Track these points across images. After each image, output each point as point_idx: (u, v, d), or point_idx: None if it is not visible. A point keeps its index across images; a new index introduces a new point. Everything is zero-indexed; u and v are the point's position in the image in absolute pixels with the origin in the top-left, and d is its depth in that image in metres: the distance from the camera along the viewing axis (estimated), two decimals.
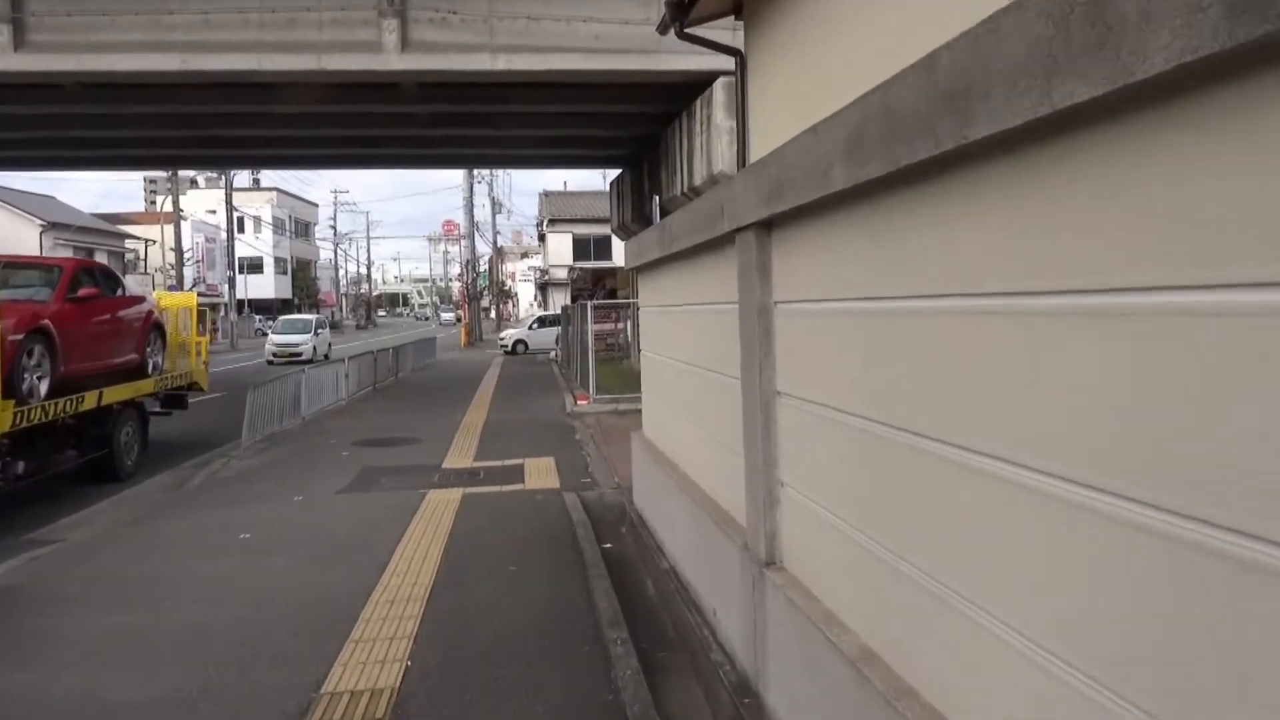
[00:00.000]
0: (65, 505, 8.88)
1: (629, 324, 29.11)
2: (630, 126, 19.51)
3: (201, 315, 13.29)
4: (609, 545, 7.05)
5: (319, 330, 34.21)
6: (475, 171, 54.03)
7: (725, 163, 14.54)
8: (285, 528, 7.53)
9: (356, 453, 11.30)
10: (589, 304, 16.62)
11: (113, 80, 15.90)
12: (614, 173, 25.76)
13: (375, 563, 6.24)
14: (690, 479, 5.30)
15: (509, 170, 62.27)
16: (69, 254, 44.57)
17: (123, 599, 5.66)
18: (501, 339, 37.49)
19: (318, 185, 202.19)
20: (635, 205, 22.25)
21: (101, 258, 48.06)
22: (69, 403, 9.02)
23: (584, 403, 15.61)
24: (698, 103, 15.75)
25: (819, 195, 2.83)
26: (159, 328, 11.56)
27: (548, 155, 23.43)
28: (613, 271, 32.54)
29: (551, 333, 36.35)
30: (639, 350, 24.20)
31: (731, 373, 4.22)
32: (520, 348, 35.96)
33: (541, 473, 9.68)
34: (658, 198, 16.15)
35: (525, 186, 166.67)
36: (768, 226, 3.57)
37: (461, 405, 16.36)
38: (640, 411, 15.73)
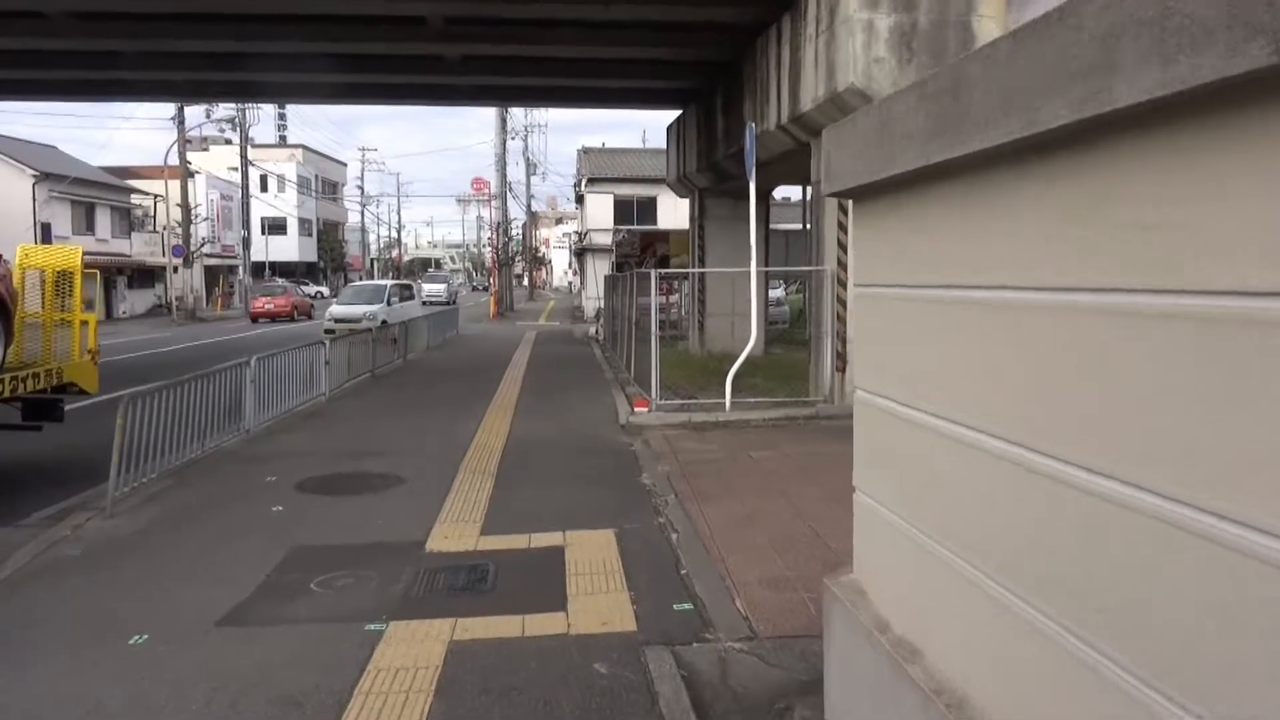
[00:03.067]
0: None
1: (680, 295, 24.77)
2: (701, 46, 15.01)
3: (90, 279, 9.09)
4: None
5: None
6: (509, 127, 49.60)
7: (858, 71, 10.04)
8: None
9: (295, 508, 7.06)
10: (651, 273, 12.24)
11: None
12: (667, 120, 21.22)
13: None
14: None
15: (546, 109, 57.20)
16: (65, 208, 40.89)
17: None
18: (331, 317, 24.39)
19: (347, 145, 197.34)
20: (703, 150, 17.79)
21: (104, 213, 44.32)
22: None
23: (644, 409, 11.30)
24: None
25: None
26: None
27: (594, 88, 18.94)
28: (664, 235, 28.14)
29: (420, 307, 27.87)
30: (700, 327, 19.69)
31: None
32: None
33: (596, 578, 5.37)
34: (753, 124, 11.68)
35: (560, 152, 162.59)
36: None
37: (477, 407, 12.10)
38: (725, 425, 11.27)
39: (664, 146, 23.08)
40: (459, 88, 18.77)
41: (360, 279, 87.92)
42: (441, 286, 54.63)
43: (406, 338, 18.91)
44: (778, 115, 12.48)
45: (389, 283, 29.39)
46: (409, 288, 30.47)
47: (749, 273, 11.53)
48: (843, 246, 11.16)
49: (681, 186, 20.80)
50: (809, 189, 26.40)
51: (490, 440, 9.76)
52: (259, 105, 47.31)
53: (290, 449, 9.35)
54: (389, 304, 25.32)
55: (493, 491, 7.51)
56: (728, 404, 11.12)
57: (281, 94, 22.85)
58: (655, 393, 11.42)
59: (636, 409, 11.37)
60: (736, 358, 11.47)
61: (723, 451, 9.09)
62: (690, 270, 19.40)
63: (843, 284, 11.16)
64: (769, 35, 12.92)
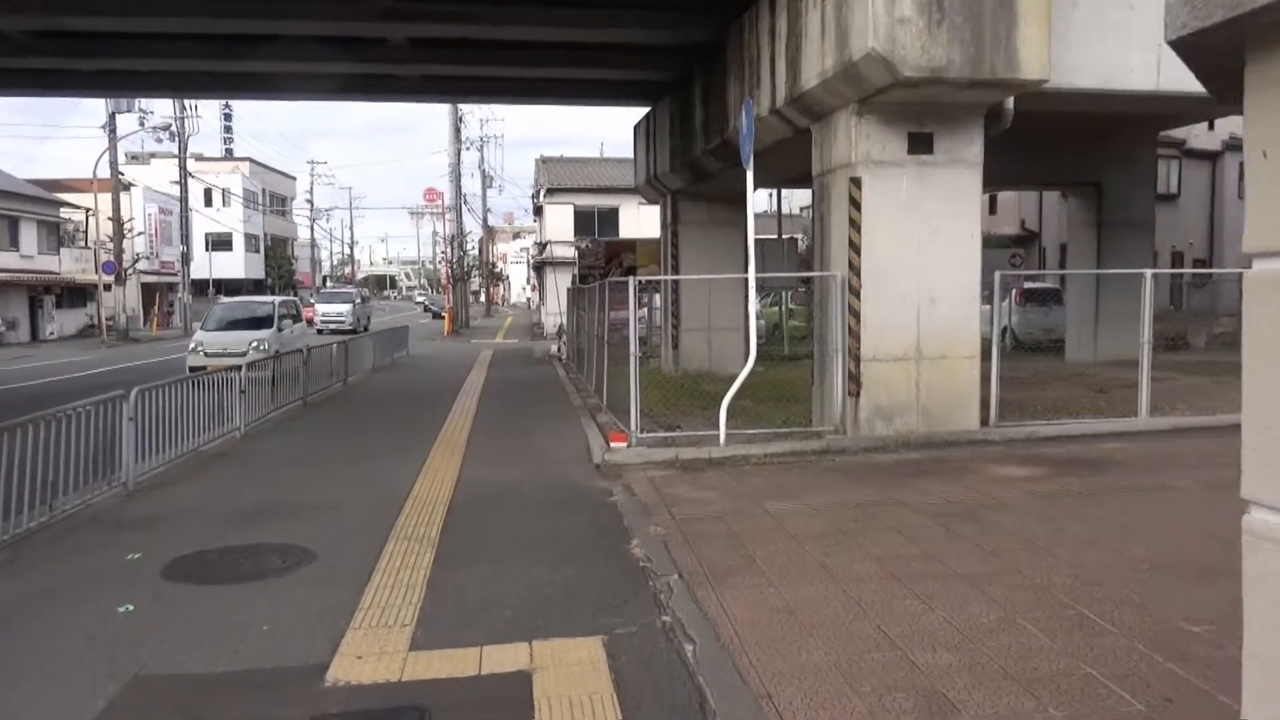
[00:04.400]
0: None
1: (649, 309, 22.90)
2: (680, 27, 13.24)
3: None
4: None
5: None
6: (464, 138, 47.38)
7: (879, 34, 8.31)
8: None
9: (153, 606, 5.07)
10: (629, 281, 10.39)
11: None
12: (627, 131, 19.48)
13: None
14: None
15: (503, 114, 54.48)
16: None
17: None
18: (199, 348, 17.77)
19: (296, 161, 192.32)
20: (677, 148, 16.05)
21: (29, 228, 41.36)
22: None
23: (621, 444, 9.43)
24: None
25: None
26: None
27: (555, 79, 17.05)
28: (631, 245, 26.30)
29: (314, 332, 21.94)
30: (674, 344, 17.41)
31: None
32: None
33: None
34: (751, 101, 9.90)
35: (515, 168, 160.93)
36: None
37: (421, 445, 10.12)
38: (720, 463, 8.28)
39: (625, 156, 21.34)
40: (406, 79, 16.80)
41: (311, 297, 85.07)
42: (344, 308, 39.76)
43: (347, 359, 16.84)
44: (772, 98, 10.75)
45: (276, 299, 21.70)
46: (296, 307, 22.92)
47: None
48: (855, 247, 9.44)
49: (652, 189, 19.03)
50: (779, 192, 24.73)
51: (434, 491, 7.80)
52: (198, 114, 44.92)
53: (175, 508, 7.32)
54: (280, 329, 18.74)
55: (432, 570, 5.58)
56: (723, 437, 9.30)
57: (198, 87, 20.51)
58: (635, 424, 9.56)
59: (613, 444, 9.50)
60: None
61: (727, 502, 7.24)
62: (664, 278, 17.56)
63: (855, 292, 9.43)
64: (759, 7, 11.20)
